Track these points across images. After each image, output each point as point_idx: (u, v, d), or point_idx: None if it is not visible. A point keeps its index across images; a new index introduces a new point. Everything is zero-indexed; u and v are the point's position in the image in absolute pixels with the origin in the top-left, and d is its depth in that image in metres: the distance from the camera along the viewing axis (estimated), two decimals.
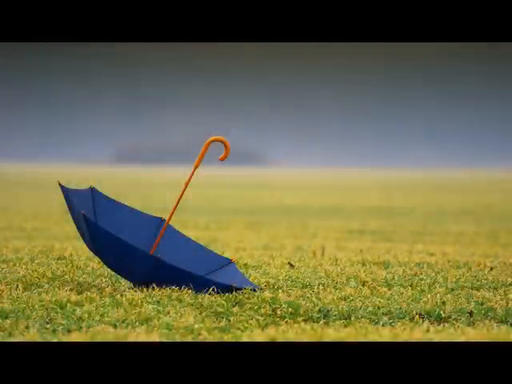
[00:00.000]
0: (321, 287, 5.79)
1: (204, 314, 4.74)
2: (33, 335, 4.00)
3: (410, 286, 5.85)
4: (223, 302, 4.99)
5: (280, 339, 3.46)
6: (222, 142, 5.45)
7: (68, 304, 4.97)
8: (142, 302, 4.99)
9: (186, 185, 5.40)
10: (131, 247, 5.20)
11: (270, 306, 4.82)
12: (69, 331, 4.30)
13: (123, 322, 4.56)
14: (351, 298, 5.16)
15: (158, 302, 5.09)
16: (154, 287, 5.22)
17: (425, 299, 4.95)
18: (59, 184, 5.47)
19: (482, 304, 4.77)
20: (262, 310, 4.71)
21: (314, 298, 5.07)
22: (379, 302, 4.91)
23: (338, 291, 5.43)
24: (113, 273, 5.81)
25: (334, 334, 3.60)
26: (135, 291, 5.16)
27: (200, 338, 3.62)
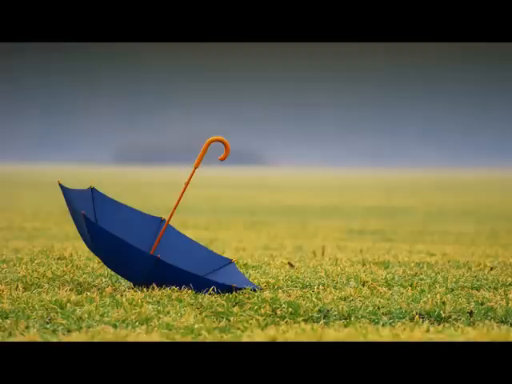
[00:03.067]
0: (321, 287, 5.79)
1: (204, 314, 4.73)
2: (33, 335, 3.99)
3: (410, 286, 5.85)
4: (223, 302, 4.99)
5: (280, 339, 3.46)
6: (222, 141, 5.45)
7: (68, 304, 4.96)
8: (141, 302, 4.99)
9: (186, 185, 5.40)
10: (131, 247, 5.20)
11: (270, 306, 4.82)
12: (69, 331, 4.29)
13: (123, 322, 4.56)
14: (351, 298, 5.16)
15: (158, 302, 5.08)
16: (153, 287, 5.21)
17: (425, 299, 4.95)
18: (59, 184, 5.47)
19: (482, 304, 4.76)
20: (262, 310, 4.71)
21: (314, 298, 5.07)
22: (379, 301, 4.90)
23: (338, 291, 5.43)
24: (113, 273, 5.81)
25: (333, 334, 3.60)
26: (135, 291, 5.16)
27: (200, 338, 3.62)
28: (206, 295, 5.17)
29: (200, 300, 5.23)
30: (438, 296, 5.04)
